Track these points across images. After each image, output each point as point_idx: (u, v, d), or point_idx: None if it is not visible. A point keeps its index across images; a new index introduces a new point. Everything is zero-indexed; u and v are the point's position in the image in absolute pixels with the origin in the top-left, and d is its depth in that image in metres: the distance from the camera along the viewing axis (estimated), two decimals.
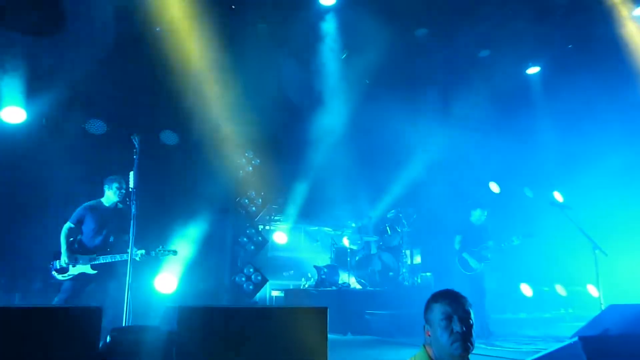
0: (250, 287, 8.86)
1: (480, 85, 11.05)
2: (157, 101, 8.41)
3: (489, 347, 6.32)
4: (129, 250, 4.70)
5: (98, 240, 5.50)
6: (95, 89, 7.98)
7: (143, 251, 5.32)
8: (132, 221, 4.56)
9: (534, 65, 10.97)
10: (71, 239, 5.44)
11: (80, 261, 5.36)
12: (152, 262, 6.11)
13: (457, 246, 8.01)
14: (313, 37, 10.39)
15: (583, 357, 3.01)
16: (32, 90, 7.59)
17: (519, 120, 10.61)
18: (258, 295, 9.14)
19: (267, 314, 3.19)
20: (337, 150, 10.65)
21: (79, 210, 5.53)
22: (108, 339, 2.94)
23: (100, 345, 2.91)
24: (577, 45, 9.93)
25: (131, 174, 4.76)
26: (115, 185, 5.54)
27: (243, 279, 8.83)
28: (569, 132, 9.87)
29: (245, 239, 9.23)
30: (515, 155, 10.72)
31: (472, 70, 11.03)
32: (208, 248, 8.34)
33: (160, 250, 5.32)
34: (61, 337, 2.76)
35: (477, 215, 8.00)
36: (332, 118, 10.75)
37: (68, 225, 5.44)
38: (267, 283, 9.28)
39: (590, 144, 9.36)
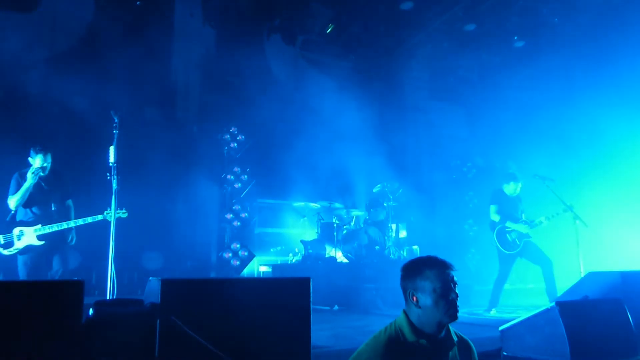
0: (238, 263, 8.92)
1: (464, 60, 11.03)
2: (140, 76, 8.26)
3: (471, 315, 6.46)
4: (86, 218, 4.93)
5: (36, 209, 5.26)
6: (76, 64, 7.81)
7: (99, 216, 5.19)
8: (113, 196, 4.51)
9: (520, 39, 10.89)
10: (11, 212, 5.22)
11: (25, 233, 5.13)
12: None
13: (495, 217, 6.85)
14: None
15: (560, 322, 3.10)
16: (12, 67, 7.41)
17: (502, 94, 10.63)
18: (246, 270, 9.20)
19: (251, 285, 3.21)
20: (323, 126, 10.61)
21: (13, 181, 5.26)
22: (91, 312, 2.93)
23: (84, 319, 2.91)
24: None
25: (111, 148, 4.68)
26: (38, 161, 5.23)
27: (230, 255, 8.88)
28: (552, 104, 9.92)
29: (231, 215, 9.24)
30: (498, 128, 10.77)
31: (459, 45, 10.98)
32: (194, 225, 8.34)
33: (108, 213, 4.98)
34: (44, 311, 2.74)
35: (511, 189, 6.96)
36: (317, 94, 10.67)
37: (10, 198, 5.22)
38: (255, 259, 9.34)
39: (575, 117, 9.42)
